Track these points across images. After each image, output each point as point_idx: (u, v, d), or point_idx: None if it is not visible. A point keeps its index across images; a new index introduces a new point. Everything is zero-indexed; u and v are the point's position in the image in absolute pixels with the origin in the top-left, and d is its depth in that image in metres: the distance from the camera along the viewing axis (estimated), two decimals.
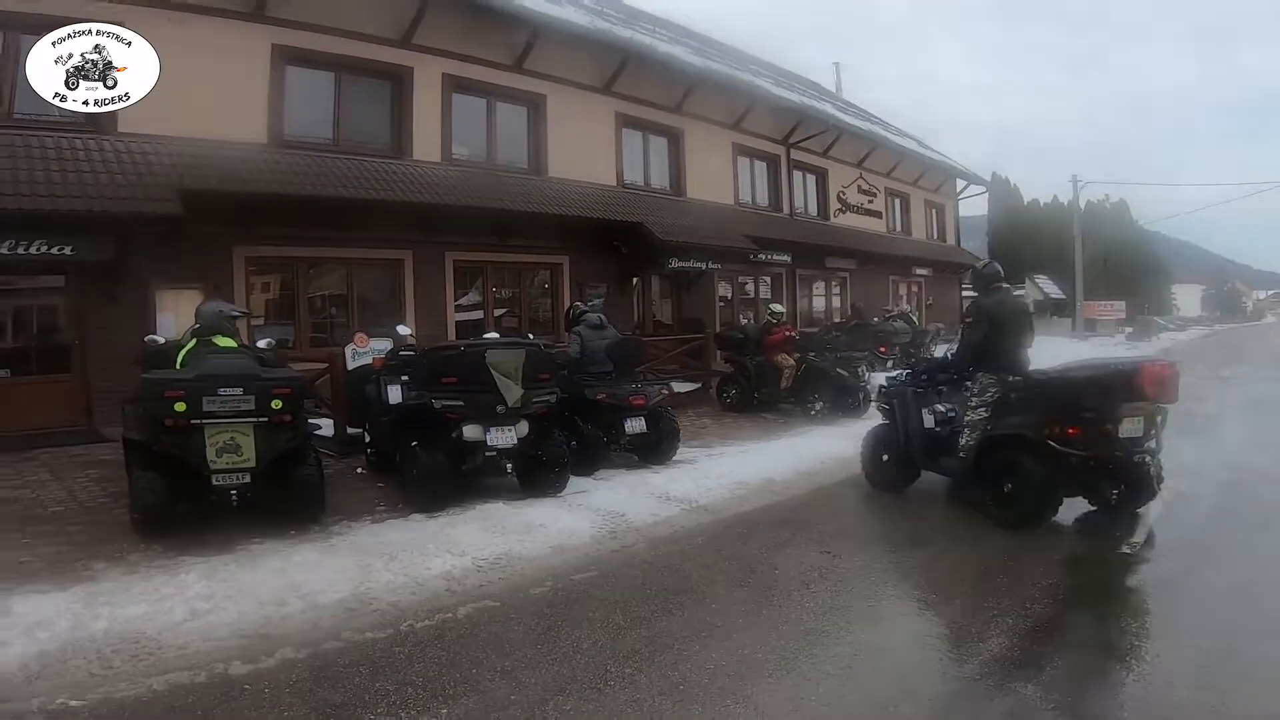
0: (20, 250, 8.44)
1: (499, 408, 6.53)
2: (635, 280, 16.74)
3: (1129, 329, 37.73)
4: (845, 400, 11.73)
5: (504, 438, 6.63)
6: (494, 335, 7.92)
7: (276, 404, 5.59)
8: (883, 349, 16.53)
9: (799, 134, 21.30)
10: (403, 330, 8.18)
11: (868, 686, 3.72)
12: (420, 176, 12.45)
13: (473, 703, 3.49)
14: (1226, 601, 4.68)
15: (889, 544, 6.22)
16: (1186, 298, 79.74)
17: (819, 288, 23.37)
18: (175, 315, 9.46)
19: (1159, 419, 6.28)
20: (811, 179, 22.98)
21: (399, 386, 7.64)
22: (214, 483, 5.55)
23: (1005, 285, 7.15)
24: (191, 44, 10.12)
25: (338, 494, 6.96)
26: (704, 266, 16.76)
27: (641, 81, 16.46)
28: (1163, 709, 3.47)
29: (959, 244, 32.56)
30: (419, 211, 12.08)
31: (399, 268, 12.65)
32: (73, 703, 3.43)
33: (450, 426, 6.56)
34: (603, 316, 8.99)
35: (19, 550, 5.40)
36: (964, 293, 33.10)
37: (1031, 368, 6.80)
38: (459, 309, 13.73)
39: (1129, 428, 6.13)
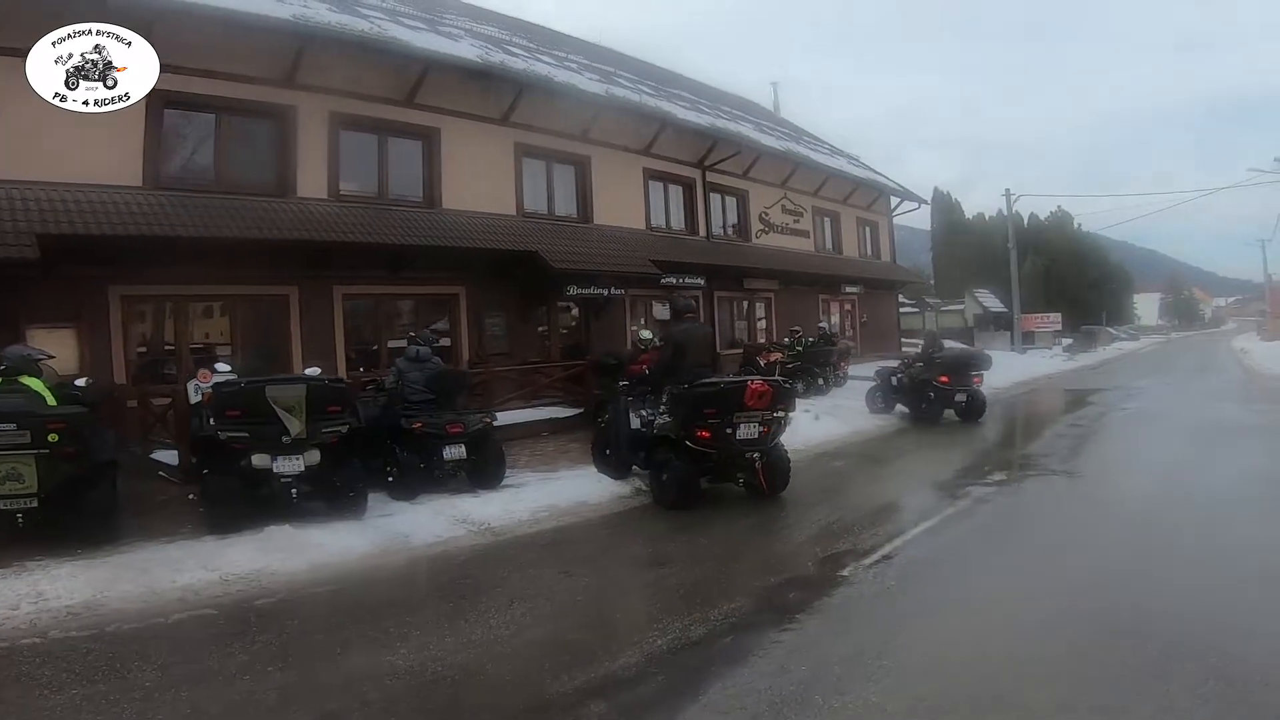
0: None
1: (284, 438, 7.17)
2: (543, 309, 17.25)
3: (1068, 340, 38.34)
4: None
5: (291, 465, 7.26)
6: (315, 370, 8.53)
7: (53, 437, 6.26)
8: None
9: (714, 156, 21.76)
10: (221, 367, 8.78)
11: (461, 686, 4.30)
12: (305, 213, 12.91)
13: (110, 685, 4.15)
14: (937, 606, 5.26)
15: (632, 564, 6.76)
16: (1147, 306, 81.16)
17: (741, 309, 23.99)
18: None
19: (777, 425, 8.02)
20: (731, 201, 23.46)
21: None
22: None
23: (692, 317, 9.10)
24: None
25: (155, 517, 7.64)
26: (607, 293, 17.10)
27: (542, 111, 16.81)
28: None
29: (894, 260, 33.29)
30: (301, 248, 12.54)
31: (284, 303, 13.11)
32: None
33: (239, 455, 7.21)
34: (422, 349, 9.53)
35: None
36: (901, 310, 33.96)
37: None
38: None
39: (745, 431, 7.82)
